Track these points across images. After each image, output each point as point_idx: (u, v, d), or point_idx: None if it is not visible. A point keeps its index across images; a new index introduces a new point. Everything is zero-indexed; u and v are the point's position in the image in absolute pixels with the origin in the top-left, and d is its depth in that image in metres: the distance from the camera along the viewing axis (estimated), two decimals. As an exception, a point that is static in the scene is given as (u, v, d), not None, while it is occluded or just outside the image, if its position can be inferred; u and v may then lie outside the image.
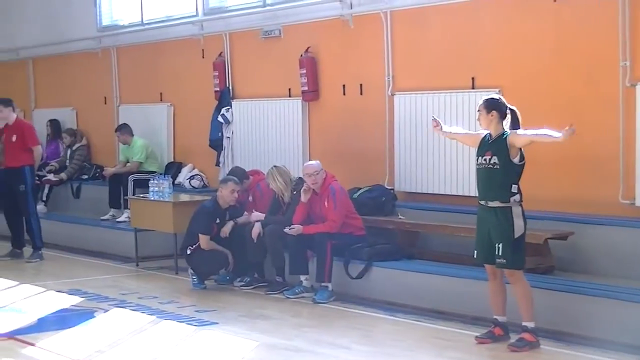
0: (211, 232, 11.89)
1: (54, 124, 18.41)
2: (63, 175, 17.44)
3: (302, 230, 11.19)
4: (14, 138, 14.35)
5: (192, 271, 12.09)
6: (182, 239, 12.30)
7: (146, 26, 16.63)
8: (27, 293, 12.03)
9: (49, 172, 17.42)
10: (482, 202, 8.83)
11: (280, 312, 10.58)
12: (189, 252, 11.95)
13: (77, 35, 18.03)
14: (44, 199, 17.34)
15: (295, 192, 11.66)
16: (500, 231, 8.66)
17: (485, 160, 8.77)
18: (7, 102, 14.49)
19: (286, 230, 11.24)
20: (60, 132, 18.19)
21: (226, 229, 11.99)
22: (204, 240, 11.82)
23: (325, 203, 11.23)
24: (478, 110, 8.89)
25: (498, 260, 8.67)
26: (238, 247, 11.88)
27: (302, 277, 11.33)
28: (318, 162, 11.49)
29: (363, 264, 11.04)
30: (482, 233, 8.85)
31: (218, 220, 11.99)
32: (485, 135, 8.87)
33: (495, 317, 8.94)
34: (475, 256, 9.00)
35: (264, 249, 11.70)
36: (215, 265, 12.00)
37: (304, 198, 11.38)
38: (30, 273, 13.63)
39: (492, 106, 8.81)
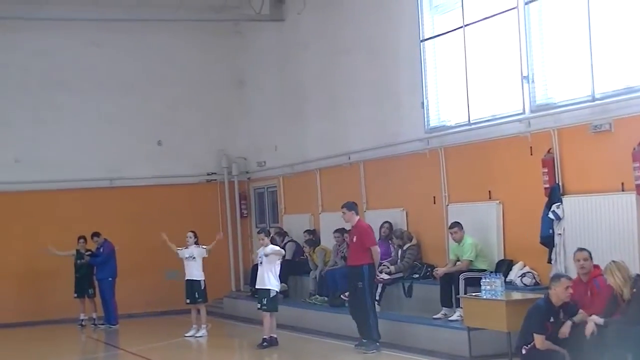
0: (545, 331, 11.71)
1: (387, 226, 18.84)
2: (392, 269, 17.78)
3: None
4: (354, 239, 15.96)
5: (528, 371, 11.95)
6: (515, 338, 12.20)
7: (473, 126, 16.78)
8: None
9: (381, 272, 17.81)
10: None
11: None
12: (524, 351, 11.85)
13: (405, 137, 18.52)
14: (377, 298, 17.70)
15: (635, 290, 11.30)
16: None
17: None
18: (351, 206, 16.11)
19: None
20: (392, 233, 18.61)
21: (565, 330, 11.74)
22: (539, 340, 11.68)
23: None
24: None
25: None
26: (574, 347, 11.62)
27: (645, 379, 10.94)
28: None
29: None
30: None
31: (552, 319, 11.80)
32: None
33: None
34: None
35: (602, 349, 11.37)
36: (552, 365, 11.80)
37: None
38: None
39: None
